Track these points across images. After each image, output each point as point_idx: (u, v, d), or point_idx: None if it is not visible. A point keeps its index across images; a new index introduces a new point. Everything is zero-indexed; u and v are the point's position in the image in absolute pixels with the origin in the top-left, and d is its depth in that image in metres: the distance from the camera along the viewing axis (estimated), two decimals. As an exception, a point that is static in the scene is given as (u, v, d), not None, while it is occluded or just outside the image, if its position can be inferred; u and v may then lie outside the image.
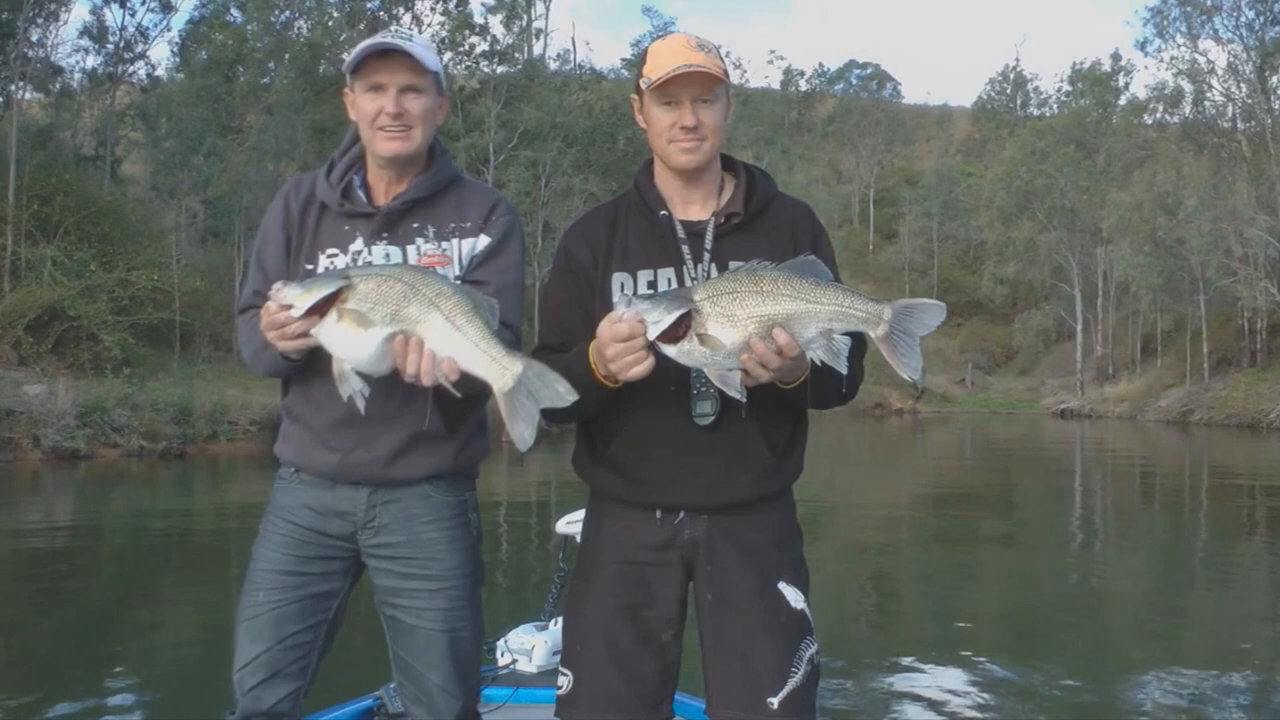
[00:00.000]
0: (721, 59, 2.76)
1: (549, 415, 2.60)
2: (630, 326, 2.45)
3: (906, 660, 7.75)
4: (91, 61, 44.83)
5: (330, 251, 2.94)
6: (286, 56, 46.90)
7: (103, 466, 23.12)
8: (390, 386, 2.71)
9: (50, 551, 12.70)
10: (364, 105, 2.89)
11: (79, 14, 67.19)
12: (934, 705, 6.64)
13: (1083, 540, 15.07)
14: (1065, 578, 11.90)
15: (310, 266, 2.93)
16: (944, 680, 7.22)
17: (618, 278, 2.79)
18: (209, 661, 7.83)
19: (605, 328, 2.50)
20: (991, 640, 8.58)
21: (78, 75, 44.39)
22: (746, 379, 2.50)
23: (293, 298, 2.61)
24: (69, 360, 27.88)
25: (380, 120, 2.86)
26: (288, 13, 48.43)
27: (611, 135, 50.34)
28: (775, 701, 2.68)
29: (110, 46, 44.78)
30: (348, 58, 2.93)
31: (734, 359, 2.46)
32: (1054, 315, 68.41)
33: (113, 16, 44.45)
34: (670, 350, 2.46)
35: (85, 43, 44.29)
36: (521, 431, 2.52)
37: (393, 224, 2.93)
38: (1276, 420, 42.62)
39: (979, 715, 6.52)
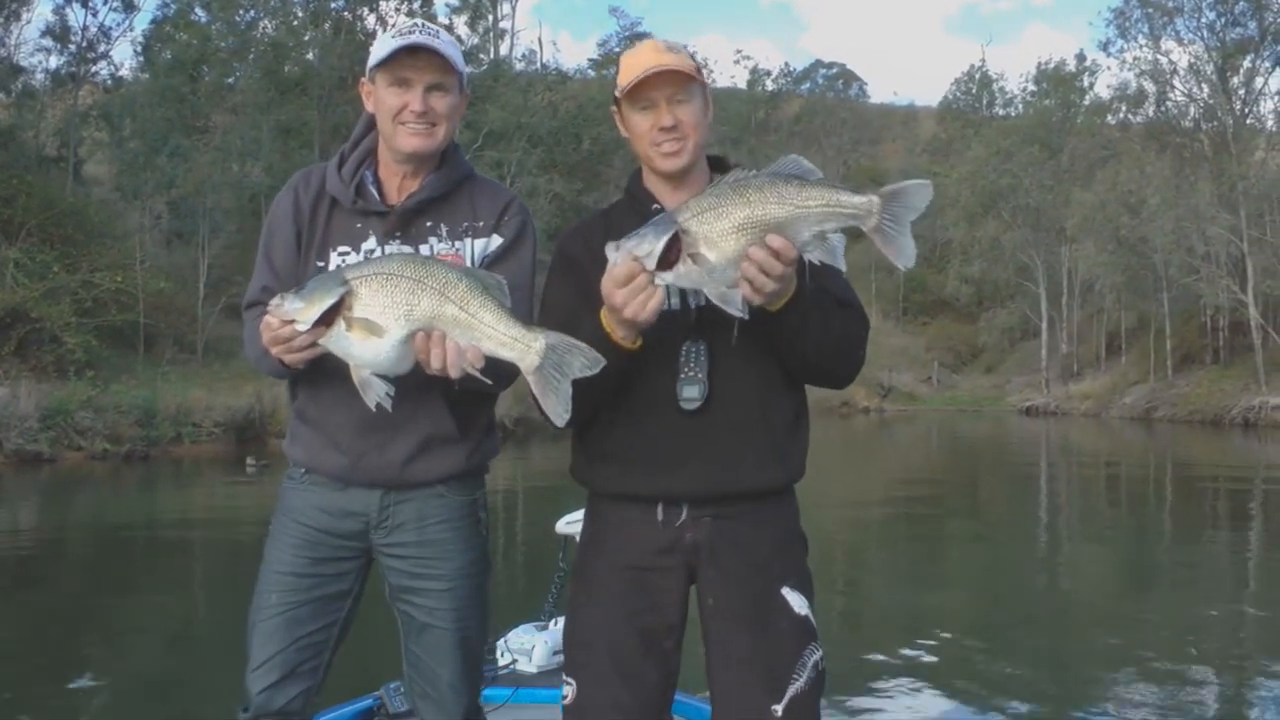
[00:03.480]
0: (693, 59, 2.76)
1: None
2: (627, 267, 2.43)
3: (874, 656, 7.78)
4: (54, 61, 44.56)
5: (342, 249, 2.89)
6: (251, 56, 46.65)
7: (66, 469, 22.95)
8: (402, 390, 2.66)
9: (13, 556, 12.59)
10: (387, 99, 2.82)
11: (41, 13, 66.70)
12: (903, 698, 6.68)
13: (1049, 534, 15.18)
14: (1032, 572, 11.99)
15: (321, 264, 2.88)
16: (913, 673, 7.26)
17: None
18: (176, 665, 7.81)
19: (606, 281, 2.48)
20: (959, 634, 8.62)
21: (40, 75, 44.11)
22: (749, 294, 2.46)
23: (294, 312, 2.54)
24: (32, 363, 27.63)
25: (404, 116, 2.81)
26: (252, 12, 48.17)
27: (577, 135, 50.39)
28: (779, 709, 2.67)
29: (73, 46, 44.49)
30: (373, 50, 2.85)
31: (730, 274, 2.44)
32: (1019, 313, 68.70)
33: (75, 16, 44.19)
34: (667, 277, 2.44)
35: (48, 43, 44.03)
36: (554, 408, 2.48)
37: (406, 223, 2.89)
38: (1238, 416, 42.97)
39: (948, 708, 6.56)
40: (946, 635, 8.58)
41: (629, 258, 2.43)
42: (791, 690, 2.68)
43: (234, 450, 26.34)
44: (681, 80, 2.72)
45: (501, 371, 2.58)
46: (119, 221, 38.48)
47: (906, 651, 7.95)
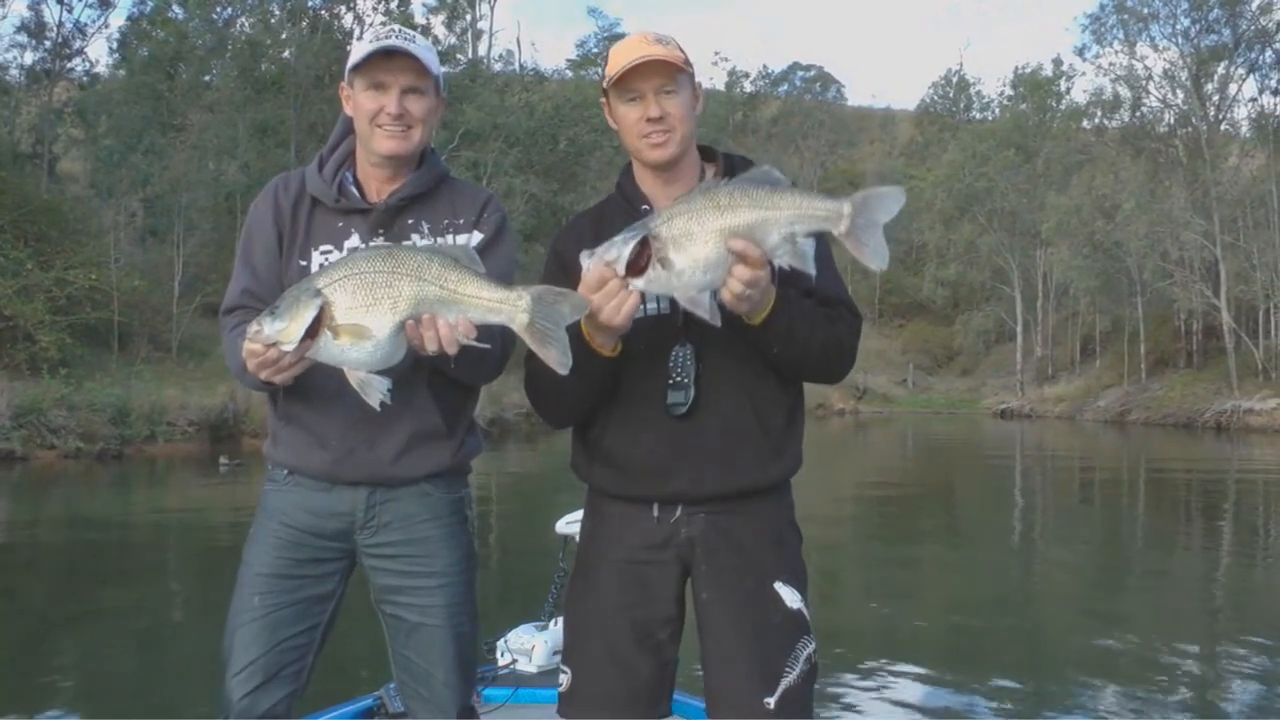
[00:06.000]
0: (681, 50, 2.77)
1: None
2: (599, 272, 2.47)
3: (849, 660, 7.79)
4: (29, 58, 44.33)
5: (325, 248, 2.89)
6: (228, 54, 46.46)
7: (39, 468, 22.82)
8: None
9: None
10: (364, 103, 2.87)
11: (17, 9, 66.40)
12: (885, 699, 6.70)
13: (1022, 535, 15.23)
14: (1005, 575, 12.02)
15: (304, 263, 2.88)
16: (889, 677, 7.28)
17: None
18: (148, 662, 7.78)
19: (580, 288, 2.51)
20: (934, 640, 8.65)
21: (15, 71, 43.88)
22: (730, 301, 2.49)
23: (276, 334, 2.52)
24: (4, 361, 27.49)
25: (380, 119, 2.85)
26: (229, 9, 47.99)
27: (553, 136, 50.25)
28: (771, 702, 2.67)
29: (48, 43, 44.26)
30: (351, 55, 2.90)
31: (699, 278, 2.46)
32: (995, 317, 68.99)
33: (50, 13, 43.98)
34: (638, 283, 2.46)
35: (23, 39, 43.79)
36: (556, 357, 2.50)
37: (389, 220, 2.91)
38: (1211, 419, 43.30)
39: (929, 708, 6.58)
40: (922, 635, 8.61)
41: (600, 263, 2.47)
42: (784, 683, 2.69)
43: (208, 449, 26.26)
44: (670, 71, 2.72)
45: (496, 336, 2.63)
46: (94, 219, 38.22)
47: (887, 652, 7.97)
